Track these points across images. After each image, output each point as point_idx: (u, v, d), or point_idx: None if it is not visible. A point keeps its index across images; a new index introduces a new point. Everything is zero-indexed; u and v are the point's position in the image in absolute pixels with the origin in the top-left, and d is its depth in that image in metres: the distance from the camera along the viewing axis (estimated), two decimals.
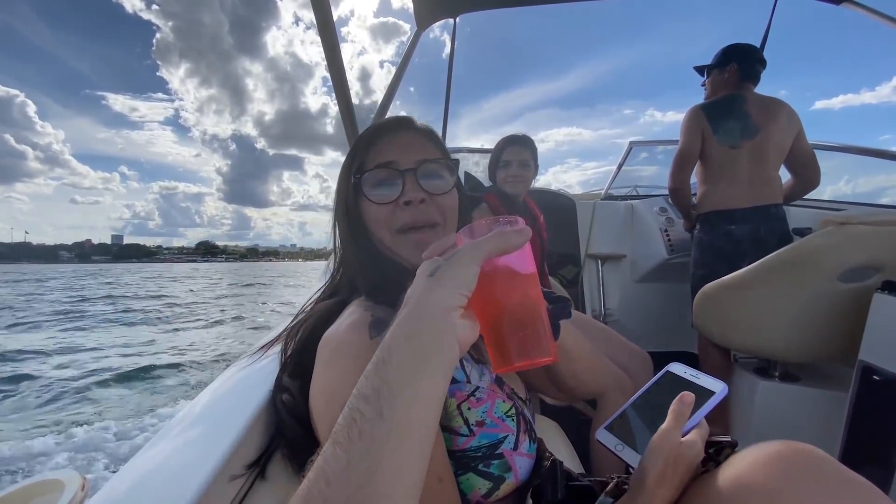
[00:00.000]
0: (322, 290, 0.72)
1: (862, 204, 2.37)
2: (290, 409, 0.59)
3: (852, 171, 2.45)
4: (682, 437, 0.51)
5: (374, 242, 0.67)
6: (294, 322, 0.67)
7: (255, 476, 0.56)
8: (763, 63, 1.93)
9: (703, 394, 0.54)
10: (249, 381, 0.67)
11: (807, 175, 1.93)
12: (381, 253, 0.66)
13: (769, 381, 1.70)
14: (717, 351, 1.80)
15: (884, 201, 2.43)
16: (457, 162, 0.71)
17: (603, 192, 3.25)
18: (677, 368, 0.60)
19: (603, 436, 0.56)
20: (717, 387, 0.54)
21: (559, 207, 2.77)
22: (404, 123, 0.72)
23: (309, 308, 0.69)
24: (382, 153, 0.66)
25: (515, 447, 0.56)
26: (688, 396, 0.52)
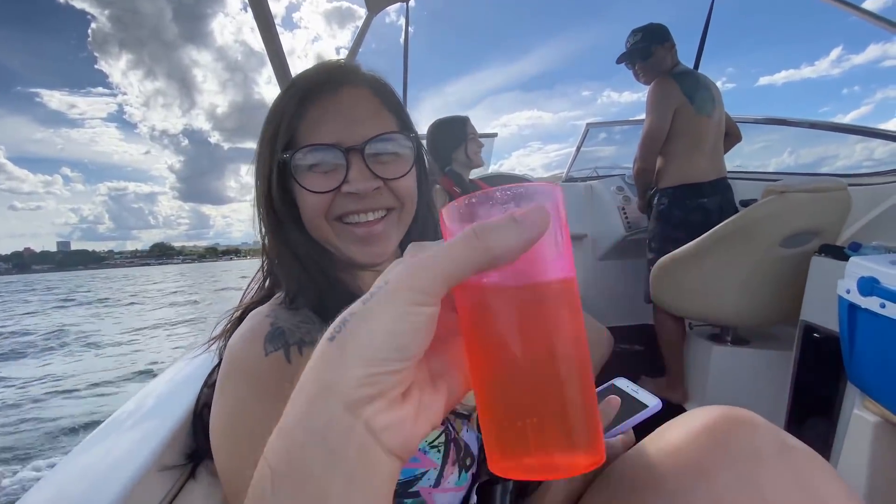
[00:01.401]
0: (258, 282, 0.61)
1: (802, 174, 2.50)
2: (206, 431, 0.51)
3: (793, 143, 2.58)
4: (608, 438, 0.52)
5: (303, 233, 0.54)
6: (227, 318, 0.57)
7: (187, 476, 0.53)
8: (670, 40, 1.95)
9: (637, 407, 0.55)
10: (188, 379, 0.64)
11: (734, 132, 2.03)
12: (314, 246, 0.54)
13: (722, 345, 1.78)
14: (673, 321, 1.87)
15: (824, 170, 2.57)
16: (414, 135, 0.57)
17: (564, 174, 3.30)
18: (621, 383, 0.62)
19: None
20: (652, 402, 0.55)
21: None
22: (346, 75, 0.54)
23: (243, 304, 0.59)
24: (318, 125, 0.51)
25: (437, 483, 0.47)
26: (614, 400, 0.53)
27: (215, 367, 0.56)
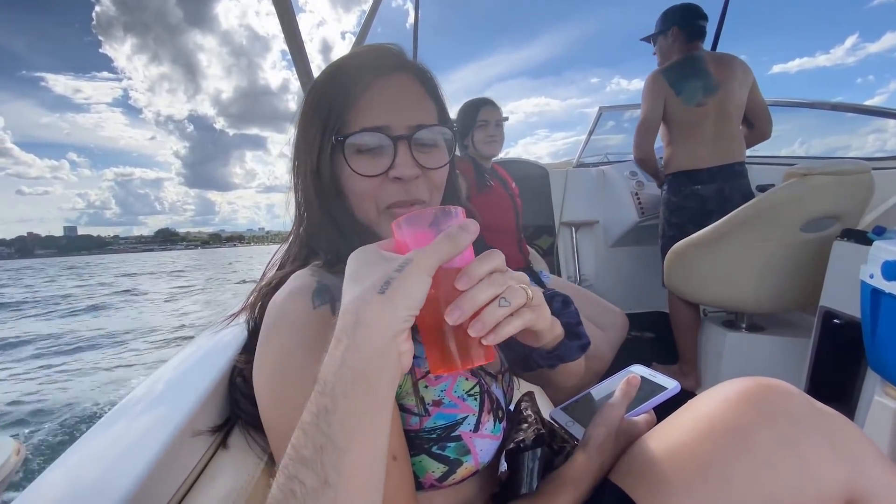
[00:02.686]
0: (283, 254, 0.63)
1: (824, 157, 2.44)
2: (245, 393, 0.55)
3: (806, 132, 2.53)
4: (631, 418, 0.55)
5: (347, 209, 0.57)
6: (255, 291, 0.60)
7: (218, 444, 0.54)
8: (704, 18, 1.92)
9: (657, 389, 0.58)
10: (215, 349, 0.65)
11: (760, 126, 1.97)
12: (357, 223, 0.57)
13: (737, 332, 1.77)
14: (687, 307, 1.86)
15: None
16: (454, 126, 0.59)
17: (575, 160, 3.26)
18: (638, 369, 0.64)
19: (557, 414, 0.62)
20: (671, 384, 0.58)
21: (533, 176, 2.77)
22: (397, 61, 0.56)
23: (271, 275, 0.61)
24: (370, 110, 0.53)
25: (476, 429, 0.51)
26: (634, 379, 0.57)
27: (249, 336, 0.59)
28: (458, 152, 1.82)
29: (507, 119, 1.82)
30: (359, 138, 0.52)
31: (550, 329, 0.50)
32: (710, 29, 2.21)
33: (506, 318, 0.37)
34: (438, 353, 0.38)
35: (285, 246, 0.62)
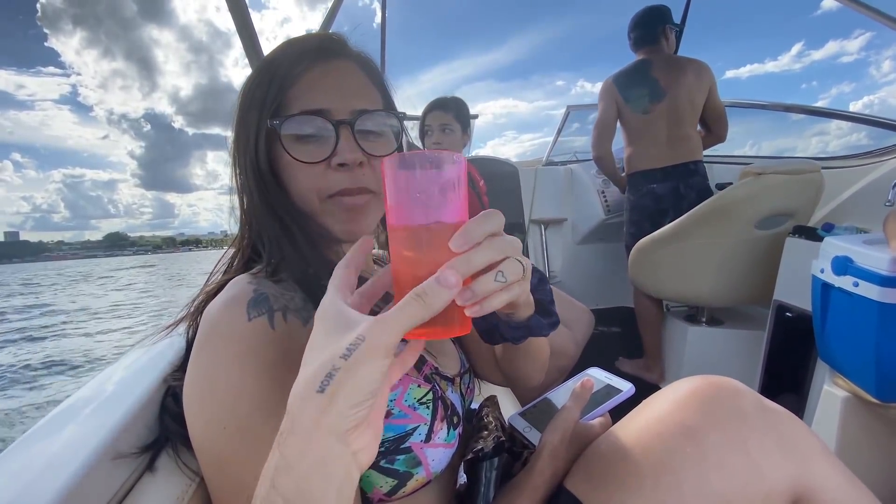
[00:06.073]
0: (229, 258, 0.59)
1: (778, 157, 2.55)
2: (175, 412, 0.50)
3: (756, 135, 2.66)
4: (586, 421, 0.55)
5: (289, 202, 0.53)
6: (197, 297, 0.55)
7: (144, 468, 0.49)
8: (647, 25, 1.96)
9: (612, 392, 0.59)
10: (148, 363, 0.59)
11: (716, 131, 2.04)
12: (300, 215, 0.53)
13: (697, 325, 1.82)
14: (651, 302, 1.90)
15: None
16: (402, 115, 0.56)
17: (544, 158, 3.29)
18: (595, 372, 0.65)
19: (515, 420, 0.61)
20: (625, 386, 0.59)
21: (503, 175, 2.77)
22: (336, 47, 0.54)
23: (214, 280, 0.57)
24: (309, 93, 0.50)
25: (428, 439, 0.48)
26: (588, 382, 0.57)
27: (187, 348, 0.54)
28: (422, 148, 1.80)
29: (476, 117, 1.80)
30: (297, 122, 0.49)
31: (527, 303, 0.47)
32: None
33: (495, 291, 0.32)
34: None
35: (233, 249, 0.58)
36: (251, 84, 0.53)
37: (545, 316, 0.51)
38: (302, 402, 0.27)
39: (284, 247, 0.51)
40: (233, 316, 0.43)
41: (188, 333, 0.54)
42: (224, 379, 0.40)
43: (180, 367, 0.55)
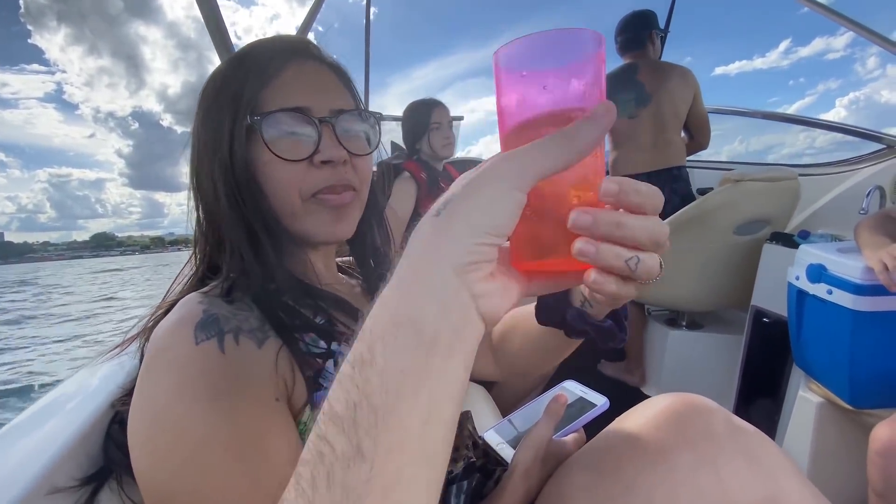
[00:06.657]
0: (188, 273, 0.55)
1: (757, 164, 2.60)
2: (119, 441, 0.47)
3: (745, 132, 2.70)
4: (559, 438, 0.54)
5: (261, 207, 0.50)
6: (150, 315, 0.51)
7: (84, 502, 0.46)
8: (630, 30, 1.99)
9: (586, 406, 0.59)
10: (93, 387, 0.56)
11: (698, 138, 2.07)
12: (270, 221, 0.50)
13: (677, 329, 1.84)
14: (633, 306, 1.91)
15: (770, 158, 2.71)
16: (379, 116, 0.55)
17: None
18: (570, 385, 0.64)
19: (488, 435, 0.61)
20: (600, 401, 0.59)
21: None
22: (313, 51, 0.53)
23: (171, 297, 0.53)
24: (287, 91, 0.48)
25: None
26: (562, 397, 0.55)
27: (137, 371, 0.48)
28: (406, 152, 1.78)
29: (461, 119, 1.79)
30: (278, 119, 0.47)
31: (616, 305, 0.43)
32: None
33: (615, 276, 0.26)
34: (531, 240, 0.28)
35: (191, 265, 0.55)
36: (220, 81, 0.51)
37: (621, 329, 0.47)
38: (419, 227, 0.26)
39: (247, 256, 0.48)
40: (179, 339, 0.40)
41: (140, 353, 0.49)
42: (169, 408, 0.37)
43: (129, 391, 0.51)
